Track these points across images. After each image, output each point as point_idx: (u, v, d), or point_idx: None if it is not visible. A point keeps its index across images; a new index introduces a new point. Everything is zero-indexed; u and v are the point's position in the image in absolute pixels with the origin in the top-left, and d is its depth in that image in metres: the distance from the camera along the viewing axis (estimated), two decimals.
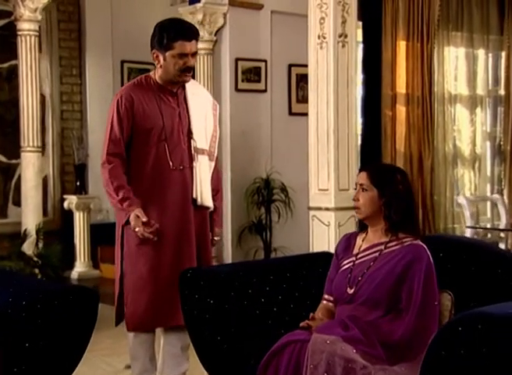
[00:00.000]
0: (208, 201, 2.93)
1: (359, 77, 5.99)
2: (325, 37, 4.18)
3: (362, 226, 2.45)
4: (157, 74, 2.86)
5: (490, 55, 7.32)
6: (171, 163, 2.81)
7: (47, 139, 6.46)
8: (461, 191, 7.00)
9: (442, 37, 6.76)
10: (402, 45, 6.49)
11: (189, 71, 2.84)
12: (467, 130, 7.14)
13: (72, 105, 6.66)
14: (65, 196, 6.47)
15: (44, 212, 6.15)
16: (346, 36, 4.20)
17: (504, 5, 7.16)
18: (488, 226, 6.59)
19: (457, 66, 7.10)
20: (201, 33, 6.03)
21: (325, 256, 2.69)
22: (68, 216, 6.41)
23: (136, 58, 6.57)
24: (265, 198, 6.03)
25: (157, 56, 2.82)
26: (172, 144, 2.82)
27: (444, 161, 6.83)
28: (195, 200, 2.87)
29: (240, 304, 2.42)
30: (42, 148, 5.68)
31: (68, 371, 2.24)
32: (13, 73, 5.65)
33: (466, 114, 7.13)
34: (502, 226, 6.04)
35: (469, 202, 5.83)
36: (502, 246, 5.63)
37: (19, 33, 5.25)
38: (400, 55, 6.48)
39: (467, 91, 7.12)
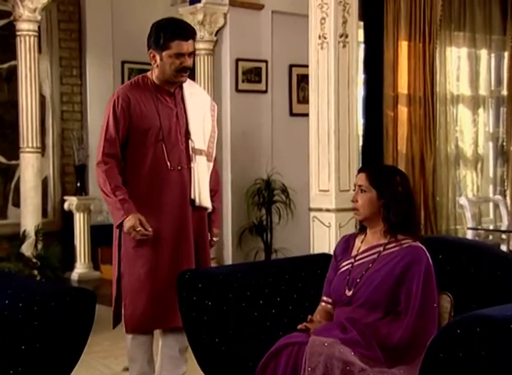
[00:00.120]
0: (207, 202, 2.92)
1: (360, 78, 5.98)
2: (325, 38, 4.17)
3: (362, 228, 2.43)
4: (154, 74, 2.86)
5: (493, 55, 7.30)
6: (169, 164, 2.80)
7: (47, 140, 6.45)
8: (463, 192, 6.97)
9: (444, 37, 6.73)
10: (404, 45, 6.47)
11: (185, 71, 2.82)
12: (469, 130, 7.12)
13: (72, 105, 6.65)
14: (65, 197, 6.46)
15: (45, 214, 6.14)
16: (346, 36, 4.20)
17: (507, 4, 7.13)
18: (491, 227, 6.56)
19: (460, 66, 7.08)
20: (202, 34, 6.02)
21: (324, 258, 2.68)
22: (68, 217, 6.40)
23: (136, 58, 6.55)
24: (266, 199, 6.02)
25: (153, 56, 2.81)
26: (169, 144, 2.81)
27: (446, 162, 6.81)
28: (193, 201, 2.86)
29: (239, 306, 2.42)
30: (42, 149, 5.66)
31: (65, 373, 2.23)
32: (13, 73, 5.63)
33: (468, 114, 7.11)
34: (504, 228, 6.01)
35: (470, 203, 5.80)
36: (503, 248, 5.61)
37: (19, 33, 5.24)
38: (402, 55, 6.46)
39: (470, 91, 7.10)
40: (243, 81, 6.07)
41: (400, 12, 6.41)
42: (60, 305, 2.15)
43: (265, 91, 6.24)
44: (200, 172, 2.88)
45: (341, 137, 4.12)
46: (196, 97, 2.93)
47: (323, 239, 4.06)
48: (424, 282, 2.21)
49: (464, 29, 6.95)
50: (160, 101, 2.83)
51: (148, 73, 2.89)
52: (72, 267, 6.30)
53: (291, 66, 6.33)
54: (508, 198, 6.84)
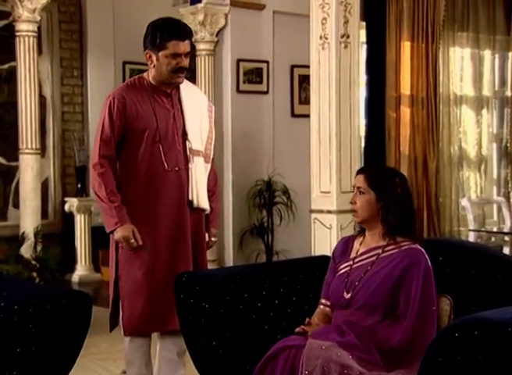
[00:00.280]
0: (204, 203, 2.90)
1: (363, 78, 5.95)
2: (327, 38, 4.17)
3: (361, 230, 2.42)
4: (150, 75, 2.84)
5: (496, 55, 7.26)
6: (166, 165, 2.79)
7: (47, 141, 6.45)
8: (467, 193, 6.92)
9: (447, 38, 6.70)
10: (406, 46, 6.44)
11: (182, 71, 2.80)
12: (472, 131, 7.08)
13: (73, 106, 6.64)
14: (66, 198, 6.45)
15: (45, 215, 6.13)
16: (348, 36, 4.20)
17: (511, 5, 7.08)
18: (495, 229, 6.52)
19: (463, 66, 7.04)
20: (202, 34, 6.00)
21: (323, 260, 2.66)
22: (69, 218, 6.39)
23: (138, 59, 6.50)
24: (267, 200, 6.02)
25: (150, 56, 2.80)
26: (166, 145, 2.79)
27: (449, 163, 6.77)
28: (191, 202, 2.84)
29: (236, 308, 2.39)
30: (42, 150, 5.65)
31: None
32: (13, 74, 5.62)
33: (472, 115, 7.08)
34: (506, 230, 5.96)
35: (472, 205, 5.76)
36: (506, 250, 5.56)
37: (18, 34, 5.24)
38: (405, 55, 6.43)
39: (473, 92, 7.06)
40: (244, 82, 6.05)
41: (403, 13, 6.38)
42: (56, 308, 2.13)
43: (266, 92, 6.22)
44: (198, 173, 2.86)
45: (342, 139, 4.12)
46: (193, 98, 2.91)
47: (324, 241, 4.07)
48: (423, 284, 2.19)
49: (468, 29, 6.91)
50: (157, 102, 2.82)
51: (145, 74, 2.88)
52: (72, 269, 6.29)
53: (293, 67, 6.32)
54: None
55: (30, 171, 5.27)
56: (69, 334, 2.17)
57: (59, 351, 2.15)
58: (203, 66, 6.03)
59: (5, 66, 6.13)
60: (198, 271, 2.78)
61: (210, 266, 5.33)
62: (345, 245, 2.43)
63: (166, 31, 2.75)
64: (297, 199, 5.90)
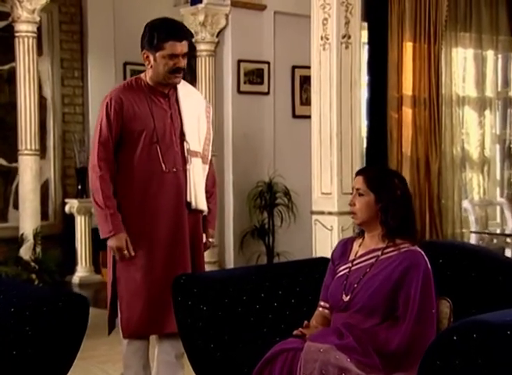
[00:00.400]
0: (203, 205, 2.89)
1: (364, 79, 5.93)
2: (328, 39, 4.16)
3: (360, 231, 2.40)
4: (147, 75, 2.84)
5: (499, 56, 7.25)
6: (163, 166, 2.77)
7: (48, 142, 6.44)
8: (470, 195, 6.89)
9: (449, 38, 6.69)
10: (408, 46, 6.42)
11: (179, 72, 2.79)
12: (475, 132, 7.06)
13: (73, 107, 6.63)
14: (66, 200, 6.44)
15: (46, 216, 6.12)
16: (349, 37, 4.19)
17: None
18: (498, 231, 6.48)
19: (465, 67, 7.02)
20: (203, 35, 5.99)
21: (322, 262, 2.64)
22: (69, 220, 6.37)
23: (138, 60, 6.39)
24: (268, 202, 6.01)
25: (147, 57, 2.81)
26: (164, 146, 2.78)
27: (452, 164, 6.75)
28: (189, 203, 2.83)
29: (234, 311, 2.38)
30: (43, 152, 5.64)
31: None
32: (14, 75, 5.60)
33: (474, 116, 7.05)
34: (508, 232, 5.93)
35: (474, 207, 5.73)
36: (508, 252, 5.53)
37: (17, 34, 5.24)
38: (407, 56, 6.41)
39: (476, 92, 7.04)
40: (244, 83, 6.04)
41: (405, 13, 6.36)
42: (52, 311, 2.12)
43: (267, 93, 6.21)
44: (196, 174, 2.85)
45: (343, 140, 4.11)
46: (190, 98, 2.90)
47: (325, 242, 4.06)
48: (423, 287, 2.17)
49: (470, 29, 6.89)
50: (154, 103, 2.80)
51: (142, 75, 2.88)
52: (73, 271, 6.27)
53: (294, 68, 6.30)
54: None
55: (29, 172, 5.27)
56: (66, 337, 2.16)
57: (56, 354, 2.14)
58: (203, 66, 6.02)
59: (6, 67, 6.12)
60: (196, 273, 2.77)
61: (210, 268, 5.34)
62: (344, 247, 2.41)
63: (164, 32, 2.74)
64: (298, 200, 5.89)
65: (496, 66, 7.22)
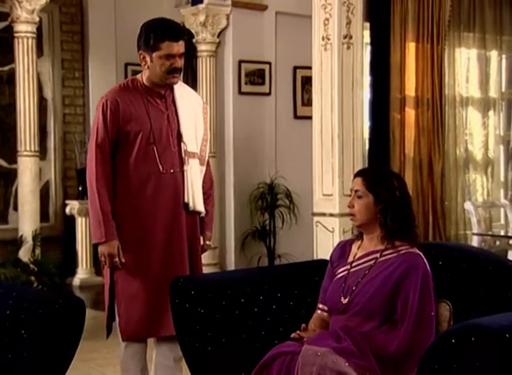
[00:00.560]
0: (200, 206, 2.87)
1: (367, 80, 5.89)
2: (329, 39, 4.14)
3: (359, 233, 2.38)
4: (144, 76, 2.82)
5: (503, 56, 7.21)
6: (161, 167, 2.75)
7: (48, 143, 6.43)
8: (473, 196, 6.85)
9: (453, 38, 6.65)
10: (411, 47, 6.39)
11: (176, 72, 2.77)
12: (479, 133, 7.02)
13: (74, 108, 6.62)
14: (67, 201, 6.42)
15: (46, 218, 6.10)
16: (351, 37, 4.17)
17: None
18: (502, 232, 6.43)
19: (469, 67, 6.98)
20: (204, 35, 5.96)
21: (322, 264, 2.62)
22: (70, 221, 6.36)
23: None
24: (269, 203, 6.01)
25: (143, 57, 2.78)
26: (161, 147, 2.76)
27: (455, 165, 6.72)
28: (186, 205, 2.81)
29: (232, 314, 2.36)
30: (43, 153, 5.62)
31: None
32: (14, 76, 5.58)
33: (478, 117, 7.02)
34: (511, 234, 5.87)
35: (476, 208, 5.68)
36: (511, 254, 5.47)
37: (16, 35, 5.23)
38: (409, 56, 6.37)
39: (479, 93, 7.00)
40: (246, 83, 6.03)
41: (408, 13, 6.32)
42: (48, 313, 2.10)
43: (269, 94, 6.20)
44: (193, 175, 2.83)
45: (345, 141, 4.09)
46: (187, 99, 2.88)
47: (326, 244, 4.05)
48: (422, 290, 2.15)
49: (474, 29, 6.85)
50: (150, 104, 2.79)
51: (138, 76, 2.86)
52: (73, 272, 6.25)
53: (295, 68, 6.29)
54: None
55: (28, 173, 5.25)
56: (62, 340, 2.14)
57: (52, 357, 2.13)
58: (204, 67, 5.99)
59: (6, 68, 6.10)
60: (194, 275, 2.75)
61: (211, 270, 5.32)
62: (342, 249, 2.40)
63: (160, 32, 2.72)
64: (300, 202, 5.88)
65: (499, 66, 7.18)
